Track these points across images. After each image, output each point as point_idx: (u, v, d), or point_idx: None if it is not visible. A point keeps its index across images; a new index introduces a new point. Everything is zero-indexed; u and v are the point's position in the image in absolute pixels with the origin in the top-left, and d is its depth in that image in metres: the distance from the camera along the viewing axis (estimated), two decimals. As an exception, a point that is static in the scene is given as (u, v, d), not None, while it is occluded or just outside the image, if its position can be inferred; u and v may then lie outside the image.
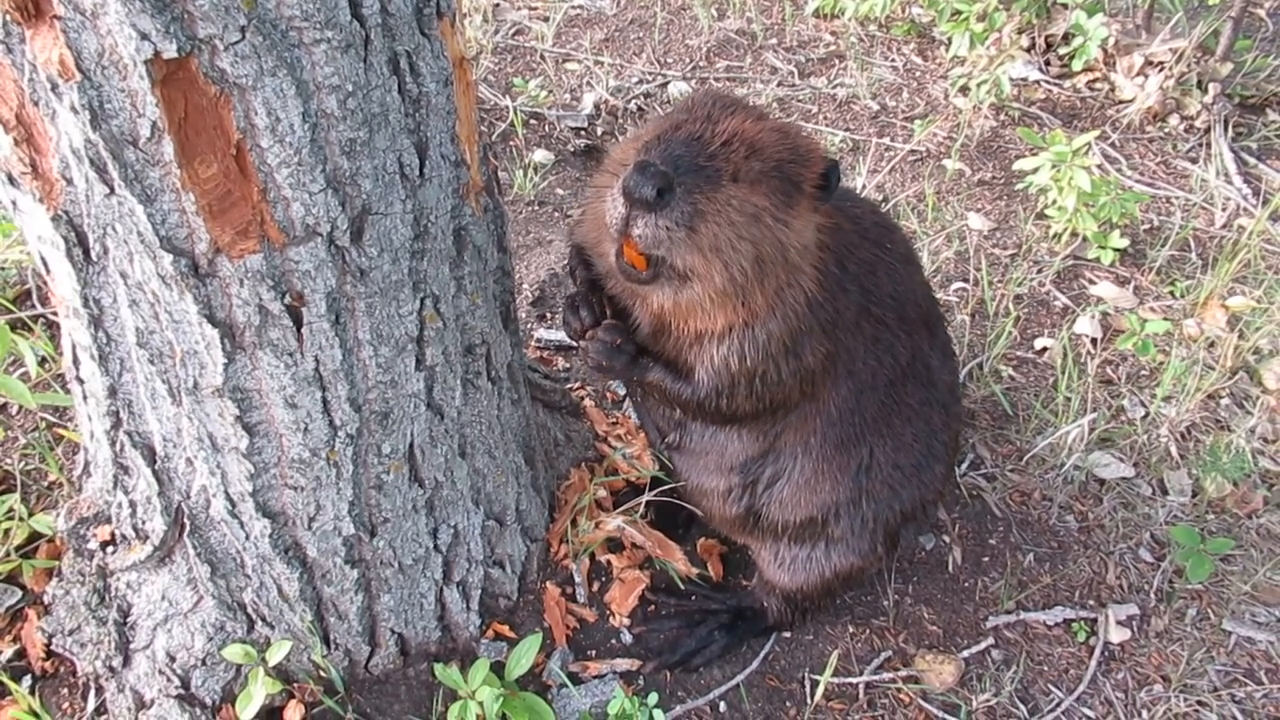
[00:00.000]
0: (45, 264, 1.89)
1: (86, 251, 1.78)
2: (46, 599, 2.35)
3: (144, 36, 1.46)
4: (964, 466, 3.05)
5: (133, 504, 2.16)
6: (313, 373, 1.89)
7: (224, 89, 1.56)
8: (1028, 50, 4.90)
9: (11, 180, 1.76)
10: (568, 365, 3.19)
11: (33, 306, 3.08)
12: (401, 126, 1.78)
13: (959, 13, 4.78)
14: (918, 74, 4.87)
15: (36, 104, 1.62)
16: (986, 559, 2.84)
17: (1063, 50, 4.87)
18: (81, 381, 2.06)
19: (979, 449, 3.10)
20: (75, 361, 2.04)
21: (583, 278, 2.22)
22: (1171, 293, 3.74)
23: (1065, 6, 4.88)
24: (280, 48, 1.55)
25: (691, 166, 1.79)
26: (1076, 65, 4.70)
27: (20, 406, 2.82)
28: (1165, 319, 3.44)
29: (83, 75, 1.51)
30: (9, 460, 2.69)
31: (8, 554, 2.43)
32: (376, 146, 1.75)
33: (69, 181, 1.70)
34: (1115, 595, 2.78)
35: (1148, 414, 3.23)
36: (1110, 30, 4.68)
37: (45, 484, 2.68)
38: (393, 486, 2.14)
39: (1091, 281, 3.77)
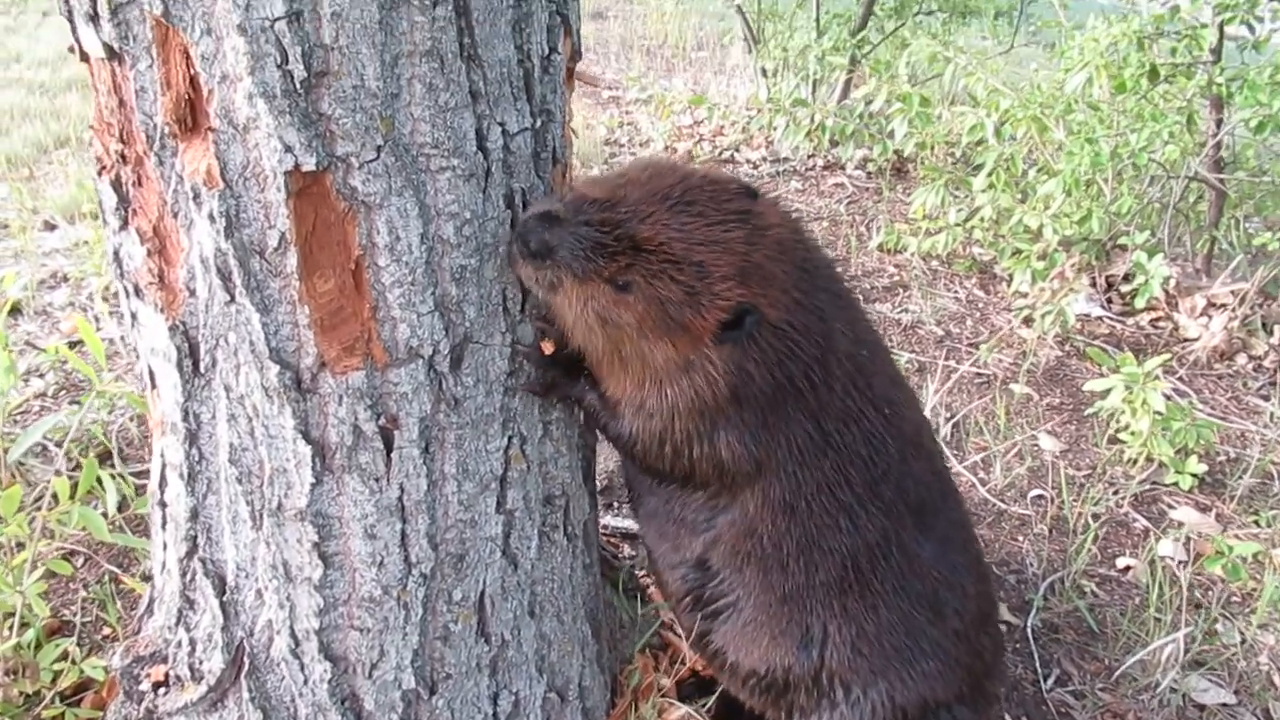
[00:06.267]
0: (152, 377, 1.94)
1: (196, 363, 1.83)
2: (84, 749, 2.24)
3: (288, 149, 1.57)
4: (1050, 682, 2.86)
5: (193, 641, 2.09)
6: (396, 502, 1.87)
7: (352, 205, 1.65)
8: (1090, 286, 5.02)
9: (137, 290, 1.84)
10: (634, 553, 3.12)
11: (113, 466, 3.12)
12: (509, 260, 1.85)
13: (1020, 251, 4.94)
14: (980, 305, 4.99)
15: (175, 215, 1.72)
16: (1080, 783, 2.61)
17: (1125, 288, 4.98)
18: (164, 505, 2.06)
19: (1064, 664, 2.92)
20: (161, 483, 2.05)
21: None
22: (1256, 522, 3.61)
23: (1124, 248, 5.03)
24: (409, 170, 1.66)
25: (581, 249, 1.81)
26: (1139, 303, 4.77)
27: (87, 556, 2.81)
28: (1257, 542, 3.31)
29: (225, 185, 1.61)
30: (69, 609, 2.65)
31: (54, 699, 2.34)
32: (485, 276, 1.81)
33: (191, 293, 1.78)
34: (1227, 833, 2.52)
35: (1245, 640, 3.04)
36: (1171, 271, 4.79)
37: (100, 636, 2.62)
38: (459, 638, 2.05)
39: (1171, 506, 3.67)
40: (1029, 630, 2.99)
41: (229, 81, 1.56)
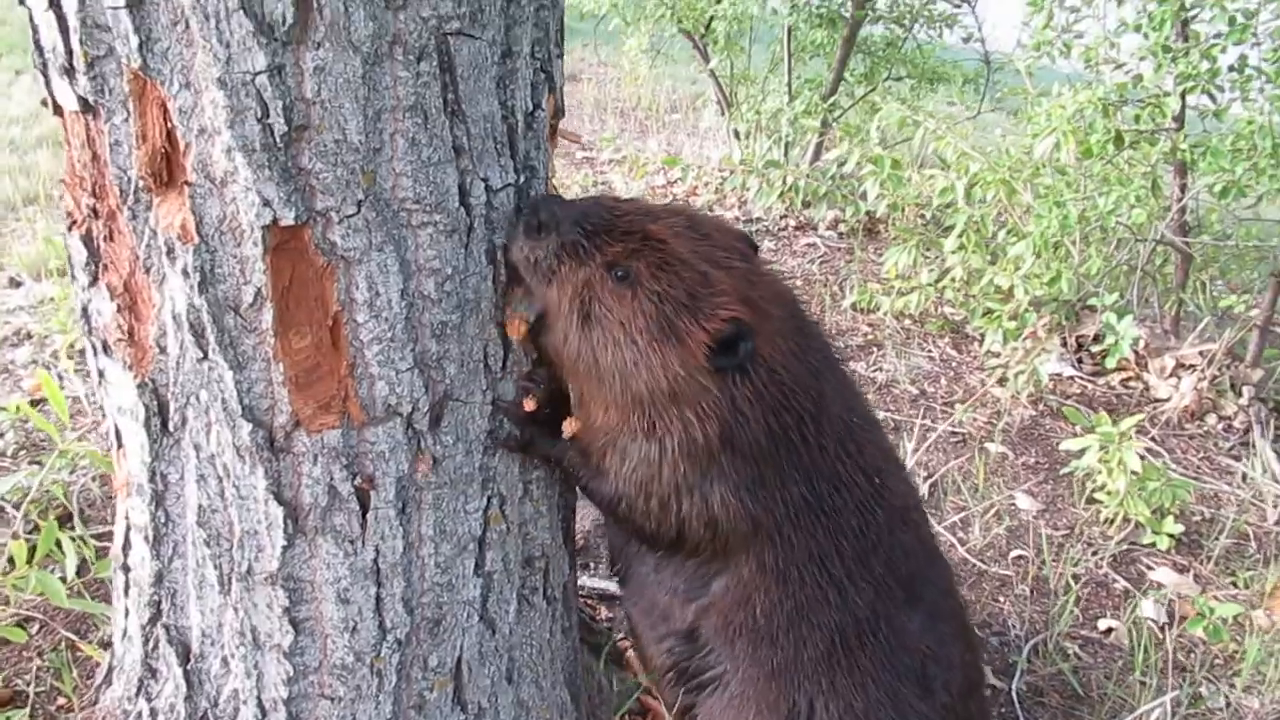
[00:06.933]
0: (119, 437, 1.88)
1: (165, 422, 1.78)
2: (34, 829, 2.13)
3: (266, 203, 1.54)
4: (1036, 747, 2.81)
5: (154, 712, 2.00)
6: (371, 565, 1.81)
7: (331, 260, 1.62)
8: (1061, 345, 5.05)
9: (105, 348, 1.79)
10: (611, 615, 3.05)
11: (73, 528, 3.02)
12: (491, 316, 1.83)
13: (991, 311, 4.98)
14: (954, 364, 5.01)
15: (148, 270, 1.69)
16: None
17: (1095, 348, 5.01)
18: (127, 570, 1.98)
19: (1051, 729, 2.88)
20: (125, 546, 1.97)
21: None
22: (1234, 583, 3.60)
23: (1093, 309, 5.08)
24: (390, 225, 1.63)
25: (580, 230, 1.80)
26: (1110, 363, 4.79)
27: (43, 623, 2.70)
28: (1236, 603, 3.30)
29: (201, 239, 1.58)
30: (23, 678, 2.54)
31: (1, 775, 2.23)
32: (466, 333, 1.78)
33: (162, 349, 1.73)
34: None
35: (1229, 703, 3.01)
36: (1140, 332, 4.83)
37: (55, 707, 2.50)
38: (434, 707, 1.98)
39: (1149, 567, 3.65)
40: (1014, 694, 2.95)
41: (207, 135, 1.53)
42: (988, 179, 4.97)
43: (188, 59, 1.50)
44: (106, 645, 2.58)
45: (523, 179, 1.82)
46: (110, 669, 2.18)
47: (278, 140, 1.52)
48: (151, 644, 1.97)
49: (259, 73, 1.48)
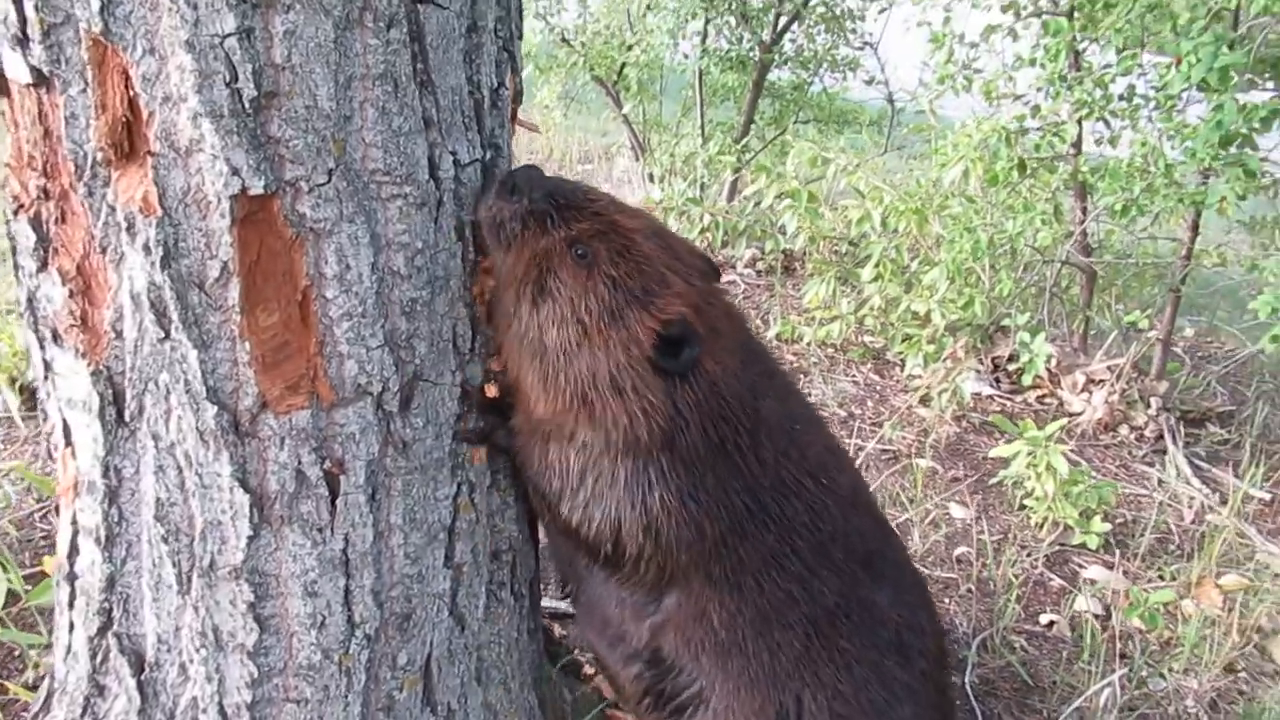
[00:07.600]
0: (67, 433, 1.79)
1: (120, 412, 1.70)
2: None
3: (235, 171, 1.51)
4: (993, 737, 2.84)
5: (102, 732, 1.88)
6: (340, 554, 1.75)
7: (300, 233, 1.59)
8: (979, 365, 5.21)
9: (55, 336, 1.71)
10: (564, 633, 2.99)
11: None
12: (460, 295, 1.81)
13: (910, 336, 5.12)
14: (878, 388, 5.12)
15: (104, 250, 1.62)
16: (1035, 838, 2.56)
17: (1010, 367, 5.19)
18: (74, 579, 1.87)
19: (1005, 718, 2.90)
20: (71, 554, 1.86)
21: None
22: (1160, 576, 3.73)
23: (1006, 330, 5.27)
24: (361, 196, 1.61)
25: (551, 201, 1.83)
26: (1026, 380, 4.96)
27: (-39, 665, 2.52)
28: (1169, 591, 3.41)
29: (164, 212, 1.53)
30: (-59, 722, 2.36)
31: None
32: (436, 310, 1.76)
33: (118, 334, 1.66)
34: None
35: (1167, 685, 3.09)
36: (1051, 350, 5.02)
37: (-22, 751, 2.34)
38: (404, 708, 1.91)
39: (1081, 565, 3.75)
40: (967, 687, 2.98)
41: (172, 103, 1.50)
42: (900, 208, 5.15)
43: (152, 23, 1.47)
44: (33, 688, 2.42)
45: (489, 155, 1.82)
46: (49, 694, 2.04)
47: (246, 106, 1.49)
48: (100, 657, 1.85)
49: (228, 35, 1.46)
